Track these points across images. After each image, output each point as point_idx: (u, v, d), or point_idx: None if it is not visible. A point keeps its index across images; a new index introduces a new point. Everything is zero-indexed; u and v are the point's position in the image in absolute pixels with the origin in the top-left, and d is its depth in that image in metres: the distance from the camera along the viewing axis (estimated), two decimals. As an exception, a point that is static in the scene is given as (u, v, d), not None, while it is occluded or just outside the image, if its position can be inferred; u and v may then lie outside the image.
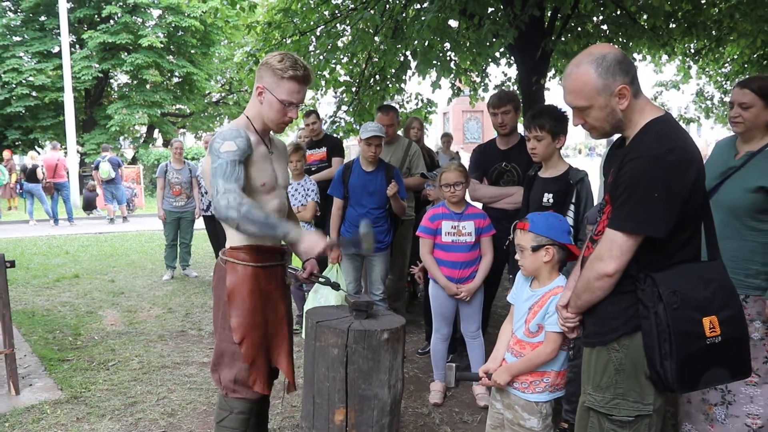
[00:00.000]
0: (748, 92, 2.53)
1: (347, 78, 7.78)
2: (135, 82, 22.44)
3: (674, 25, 7.23)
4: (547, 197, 3.06)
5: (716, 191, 2.58)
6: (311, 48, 6.81)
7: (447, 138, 9.78)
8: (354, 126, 7.58)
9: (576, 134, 36.59)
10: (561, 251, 2.34)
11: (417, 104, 8.96)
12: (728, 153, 2.68)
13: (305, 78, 2.31)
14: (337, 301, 3.80)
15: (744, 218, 2.51)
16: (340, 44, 6.97)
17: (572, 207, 3.03)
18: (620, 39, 7.24)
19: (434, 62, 6.05)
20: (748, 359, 1.84)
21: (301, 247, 2.31)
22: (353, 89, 7.61)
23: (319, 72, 6.58)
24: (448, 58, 7.10)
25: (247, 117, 2.39)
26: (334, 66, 7.07)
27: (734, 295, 1.81)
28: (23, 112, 21.09)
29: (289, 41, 6.81)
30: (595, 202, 3.19)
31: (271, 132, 2.48)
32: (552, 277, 2.36)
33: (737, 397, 2.53)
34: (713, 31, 7.62)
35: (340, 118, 7.72)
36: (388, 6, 6.78)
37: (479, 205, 3.84)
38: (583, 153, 37.90)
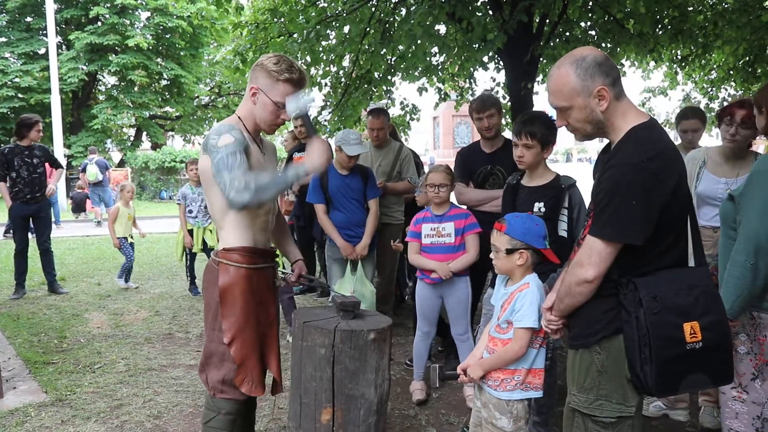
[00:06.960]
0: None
1: (331, 80, 7.77)
2: (123, 83, 22.31)
3: (661, 32, 7.29)
4: (538, 206, 2.93)
5: None
6: (297, 47, 6.80)
7: None
8: (339, 126, 7.58)
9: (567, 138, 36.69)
10: (535, 254, 2.37)
11: (401, 110, 8.97)
12: None
13: (300, 81, 2.32)
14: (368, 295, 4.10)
15: (724, 227, 2.51)
16: (320, 50, 6.97)
17: (565, 212, 2.94)
18: (608, 45, 7.30)
19: (419, 60, 6.05)
20: (730, 366, 1.84)
21: (311, 165, 2.25)
22: (339, 91, 7.61)
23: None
24: (435, 62, 7.13)
25: (239, 117, 2.40)
26: (316, 70, 7.08)
27: (718, 302, 1.82)
28: (8, 113, 20.86)
29: (276, 41, 6.79)
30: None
31: (261, 133, 2.49)
32: (524, 276, 2.40)
33: (724, 409, 2.50)
34: (699, 38, 7.71)
35: (325, 121, 7.72)
36: (375, 10, 6.79)
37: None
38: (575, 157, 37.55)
